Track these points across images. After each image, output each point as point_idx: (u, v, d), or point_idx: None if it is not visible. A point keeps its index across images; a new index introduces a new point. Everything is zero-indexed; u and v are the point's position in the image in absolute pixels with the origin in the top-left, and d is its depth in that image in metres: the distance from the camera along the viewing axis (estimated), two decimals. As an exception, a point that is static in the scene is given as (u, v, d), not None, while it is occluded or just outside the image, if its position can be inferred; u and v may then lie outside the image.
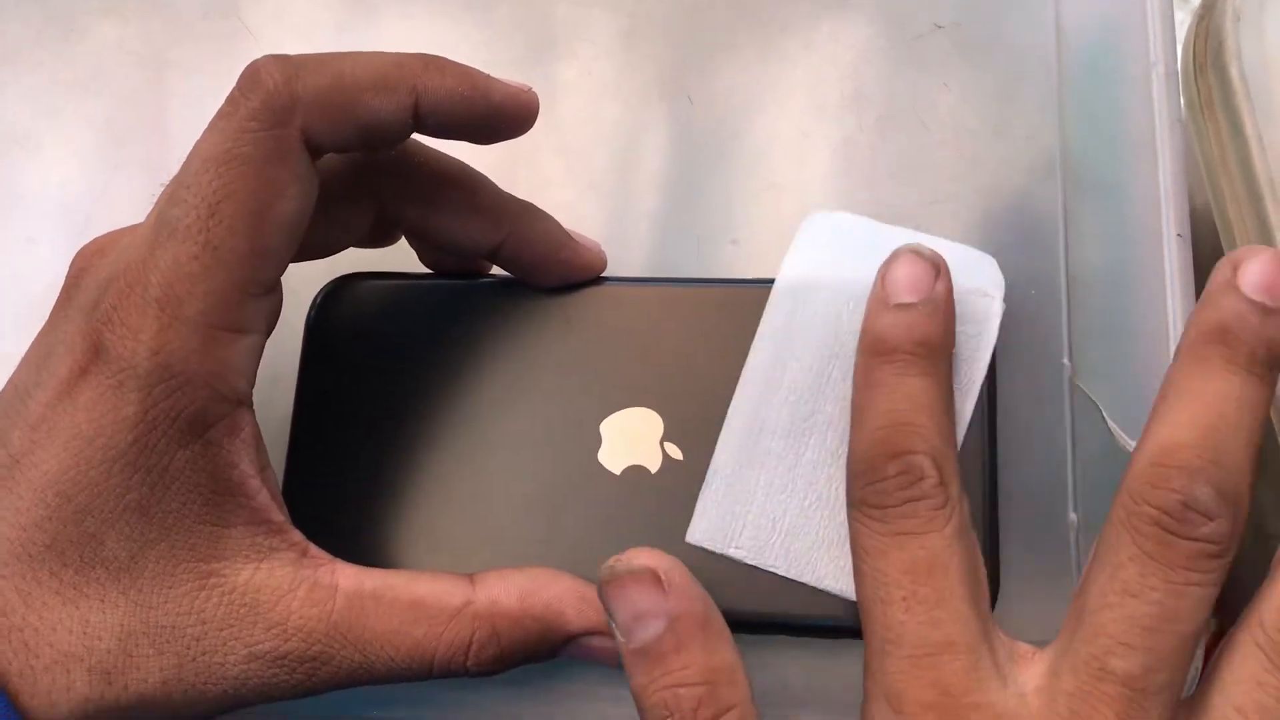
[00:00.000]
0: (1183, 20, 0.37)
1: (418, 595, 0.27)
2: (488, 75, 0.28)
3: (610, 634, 0.27)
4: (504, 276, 0.32)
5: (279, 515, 0.27)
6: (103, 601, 0.25)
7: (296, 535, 0.27)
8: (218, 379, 0.26)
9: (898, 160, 0.35)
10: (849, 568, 0.28)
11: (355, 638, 0.26)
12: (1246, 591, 0.26)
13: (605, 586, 0.26)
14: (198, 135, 0.27)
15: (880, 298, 0.28)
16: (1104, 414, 0.31)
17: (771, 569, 0.28)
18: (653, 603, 0.26)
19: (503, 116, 0.29)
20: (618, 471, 0.30)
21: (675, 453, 0.30)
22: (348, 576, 0.27)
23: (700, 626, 0.26)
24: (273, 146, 0.25)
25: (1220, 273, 0.26)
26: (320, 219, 0.28)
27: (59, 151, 0.38)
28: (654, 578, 0.26)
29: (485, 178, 0.31)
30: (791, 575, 0.28)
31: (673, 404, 0.30)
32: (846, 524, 0.28)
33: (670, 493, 0.30)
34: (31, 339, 0.28)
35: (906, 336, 0.27)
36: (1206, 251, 0.34)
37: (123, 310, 0.25)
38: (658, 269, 0.34)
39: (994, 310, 0.30)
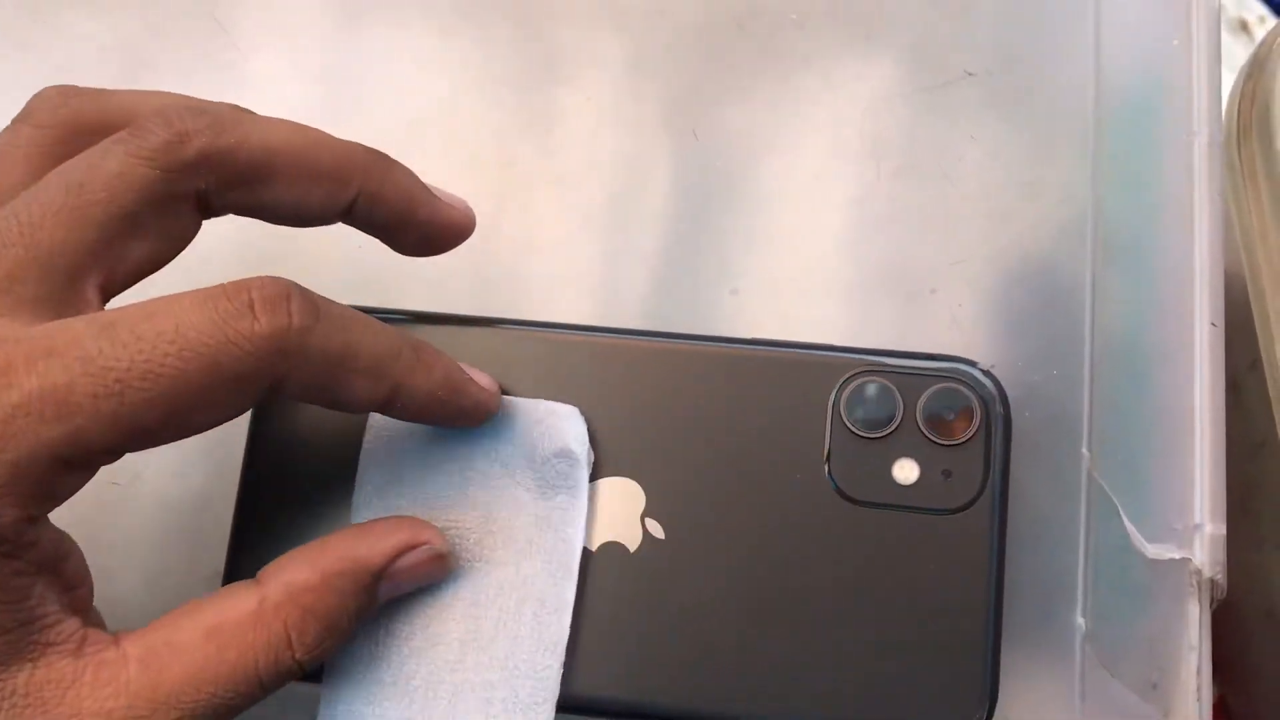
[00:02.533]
0: (1227, 78, 0.35)
1: (208, 621, 0.24)
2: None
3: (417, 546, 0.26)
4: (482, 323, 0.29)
5: (52, 608, 0.23)
6: None
7: (72, 626, 0.24)
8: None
9: (916, 214, 0.32)
10: None
11: (165, 695, 0.23)
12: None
13: None
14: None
15: None
16: (1122, 514, 0.29)
17: None
18: None
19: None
20: (593, 548, 0.27)
21: (657, 530, 0.27)
22: (133, 641, 0.24)
23: None
24: None
25: None
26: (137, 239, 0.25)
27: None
28: None
29: (319, 131, 0.26)
30: None
31: (656, 476, 0.28)
32: None
33: (648, 577, 0.27)
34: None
35: None
36: (1236, 323, 0.32)
37: None
38: (650, 317, 0.32)
39: (582, 476, 0.27)
